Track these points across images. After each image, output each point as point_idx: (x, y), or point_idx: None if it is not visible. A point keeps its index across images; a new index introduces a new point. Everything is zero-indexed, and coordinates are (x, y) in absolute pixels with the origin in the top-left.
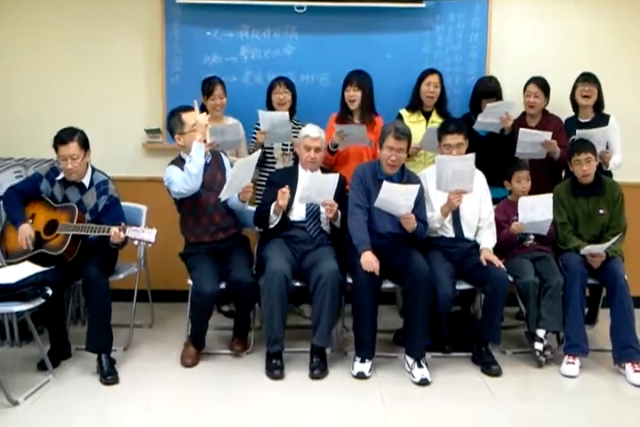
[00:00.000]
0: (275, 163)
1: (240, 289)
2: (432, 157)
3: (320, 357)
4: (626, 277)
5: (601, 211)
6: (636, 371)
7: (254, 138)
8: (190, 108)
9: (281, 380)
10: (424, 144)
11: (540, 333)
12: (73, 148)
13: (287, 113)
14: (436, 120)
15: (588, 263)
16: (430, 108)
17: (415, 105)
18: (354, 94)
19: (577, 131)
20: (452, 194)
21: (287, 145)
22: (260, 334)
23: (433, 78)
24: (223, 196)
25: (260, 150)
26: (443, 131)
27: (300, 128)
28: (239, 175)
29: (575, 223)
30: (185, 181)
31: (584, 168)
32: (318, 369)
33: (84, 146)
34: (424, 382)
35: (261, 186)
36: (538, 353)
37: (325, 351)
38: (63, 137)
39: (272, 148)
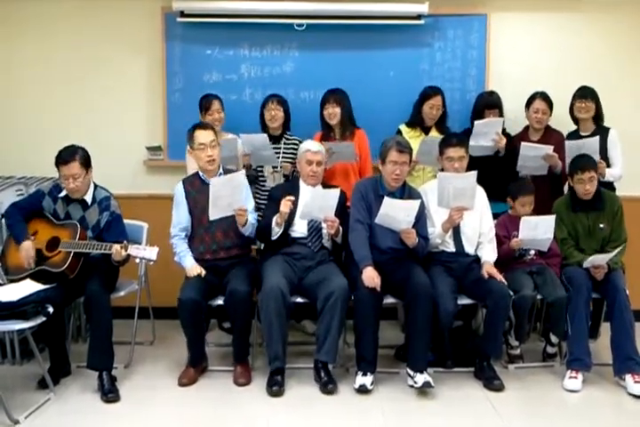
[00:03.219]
0: (265, 181)
1: (235, 299)
2: (431, 171)
3: (326, 372)
4: (627, 289)
5: (601, 225)
6: (636, 382)
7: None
8: (208, 127)
9: (282, 396)
10: (421, 157)
11: (555, 339)
12: (74, 167)
13: (265, 135)
14: (435, 136)
15: (591, 277)
16: (431, 124)
17: (416, 122)
18: (332, 111)
19: (566, 142)
20: (453, 210)
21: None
22: (262, 351)
23: (436, 101)
24: (211, 216)
25: (242, 171)
26: (445, 144)
27: (293, 144)
28: (222, 194)
29: (576, 238)
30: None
31: (586, 187)
32: (332, 384)
33: (85, 164)
34: (427, 386)
35: (256, 203)
36: (547, 355)
37: (329, 367)
38: (64, 157)
39: (263, 166)
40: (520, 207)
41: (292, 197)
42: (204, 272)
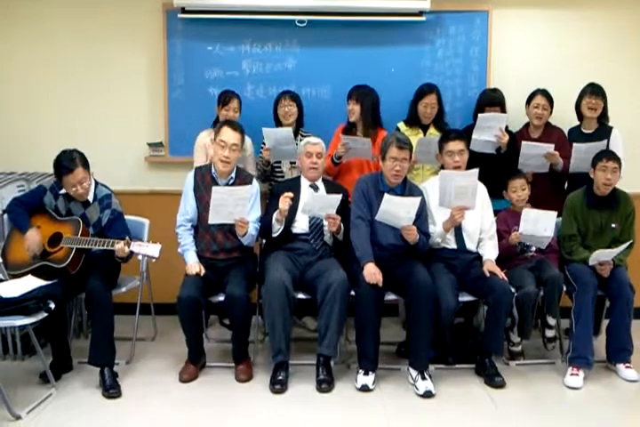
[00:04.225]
0: (283, 177)
1: (234, 303)
2: (430, 169)
3: (327, 369)
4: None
5: (613, 225)
6: (627, 367)
7: (262, 155)
8: (239, 130)
9: (284, 393)
10: (419, 156)
11: (552, 321)
12: (79, 173)
13: (291, 129)
14: (433, 133)
15: (596, 274)
16: (428, 122)
17: (413, 120)
18: (352, 108)
19: (574, 144)
20: (454, 210)
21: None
22: (263, 347)
23: (430, 99)
24: (210, 220)
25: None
26: (444, 139)
27: None
28: (223, 203)
29: (585, 236)
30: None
31: (608, 176)
32: (326, 383)
33: (86, 166)
34: (428, 395)
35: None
36: (546, 340)
37: (330, 363)
38: (66, 165)
39: (280, 161)
40: (513, 194)
41: (291, 194)
42: (203, 271)
